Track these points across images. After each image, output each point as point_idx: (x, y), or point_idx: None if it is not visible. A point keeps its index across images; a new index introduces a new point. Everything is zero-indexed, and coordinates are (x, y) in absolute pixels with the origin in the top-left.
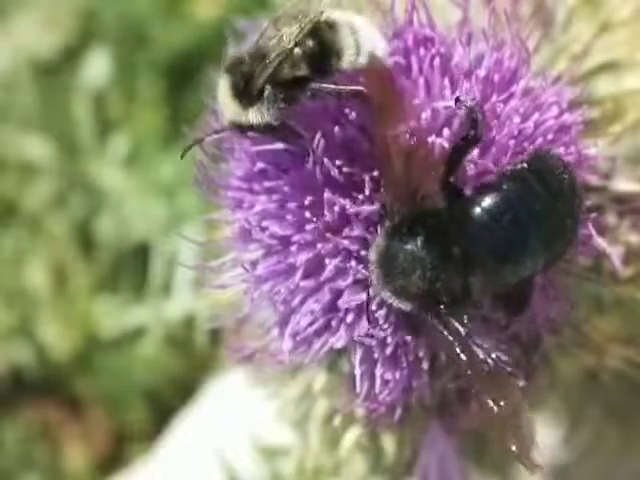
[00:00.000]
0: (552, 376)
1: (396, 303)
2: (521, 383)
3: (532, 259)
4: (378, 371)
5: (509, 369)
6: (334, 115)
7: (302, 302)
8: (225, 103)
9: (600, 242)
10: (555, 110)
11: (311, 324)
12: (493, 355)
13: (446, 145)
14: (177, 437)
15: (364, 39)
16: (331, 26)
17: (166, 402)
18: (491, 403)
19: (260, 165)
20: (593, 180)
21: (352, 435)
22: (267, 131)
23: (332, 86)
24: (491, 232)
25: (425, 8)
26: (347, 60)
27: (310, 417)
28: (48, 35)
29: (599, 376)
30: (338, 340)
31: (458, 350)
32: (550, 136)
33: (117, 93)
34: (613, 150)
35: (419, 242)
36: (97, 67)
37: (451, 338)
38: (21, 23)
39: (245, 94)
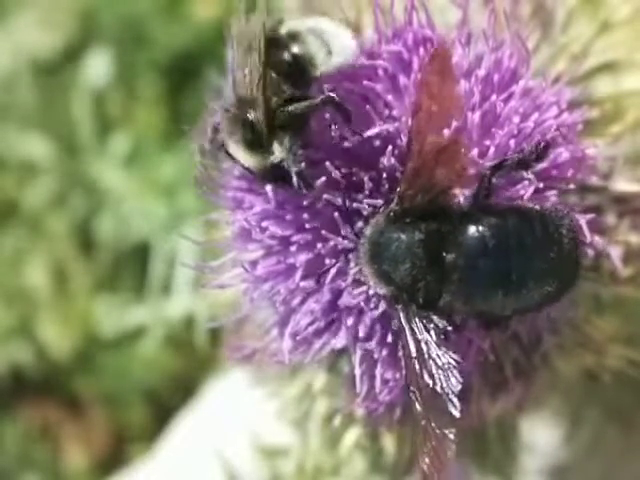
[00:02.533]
0: (552, 376)
1: (372, 283)
2: (454, 411)
3: (503, 300)
4: (378, 371)
5: (453, 397)
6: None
7: (302, 302)
8: (246, 159)
9: (600, 242)
10: (555, 110)
11: (311, 324)
12: (442, 373)
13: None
14: (177, 437)
15: (332, 38)
16: (294, 37)
17: (166, 402)
18: (421, 416)
19: None
20: (593, 180)
21: (352, 435)
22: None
23: (304, 103)
24: (476, 255)
25: (425, 8)
26: (322, 64)
27: (310, 417)
28: (48, 35)
29: (599, 376)
30: (338, 340)
31: (412, 354)
32: (549, 136)
33: (117, 93)
34: (613, 150)
35: (418, 237)
36: (97, 67)
37: (410, 340)
38: (21, 23)
39: (258, 143)
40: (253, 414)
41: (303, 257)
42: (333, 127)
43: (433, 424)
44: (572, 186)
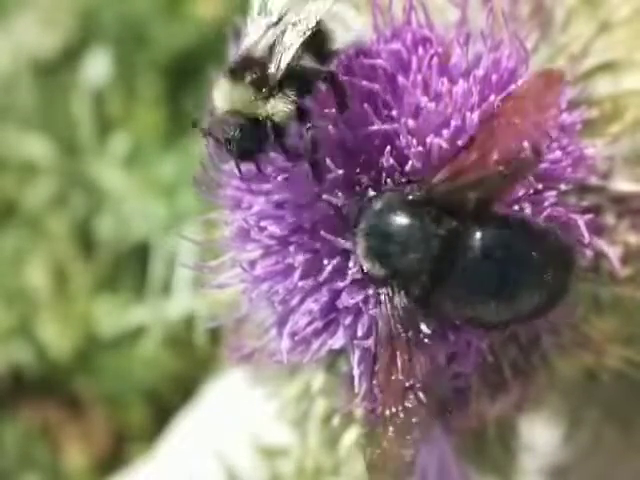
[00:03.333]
0: (552, 376)
1: (363, 257)
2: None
3: (493, 309)
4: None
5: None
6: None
7: (300, 302)
8: (233, 95)
9: (599, 242)
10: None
11: (309, 324)
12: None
13: (444, 145)
14: (177, 437)
15: (346, 17)
16: None
17: (166, 402)
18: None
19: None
20: (592, 180)
21: (352, 435)
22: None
23: (314, 65)
24: (477, 262)
25: (423, 8)
26: (340, 38)
27: (309, 417)
28: (48, 35)
29: (599, 376)
30: (337, 340)
31: (382, 338)
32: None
33: (117, 93)
34: (612, 150)
35: (440, 232)
36: (97, 67)
37: (386, 322)
38: (21, 23)
39: (264, 85)
40: (253, 414)
41: (301, 257)
42: (333, 127)
43: (397, 423)
44: (571, 186)
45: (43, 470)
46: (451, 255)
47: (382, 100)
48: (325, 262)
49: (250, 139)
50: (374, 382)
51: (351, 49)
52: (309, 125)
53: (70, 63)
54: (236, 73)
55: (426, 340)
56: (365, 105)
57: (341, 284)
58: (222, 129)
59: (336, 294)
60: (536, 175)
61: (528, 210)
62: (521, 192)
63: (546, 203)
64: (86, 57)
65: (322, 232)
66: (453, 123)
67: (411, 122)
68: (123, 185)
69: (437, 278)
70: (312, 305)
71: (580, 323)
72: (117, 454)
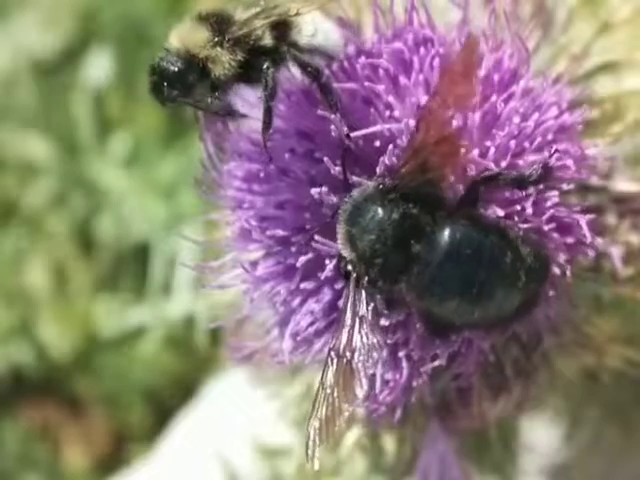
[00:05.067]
0: (553, 376)
1: (340, 243)
2: (359, 391)
3: (457, 308)
4: (378, 371)
5: (363, 377)
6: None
7: (302, 303)
8: (188, 33)
9: (600, 242)
10: (555, 110)
11: (311, 324)
12: (364, 351)
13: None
14: (177, 437)
15: (320, 24)
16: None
17: (166, 402)
18: (328, 383)
19: (259, 165)
20: (593, 180)
21: (352, 435)
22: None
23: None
24: (445, 258)
25: (425, 8)
26: (305, 36)
27: None
28: (48, 35)
29: (599, 376)
30: None
31: (346, 322)
32: (550, 136)
33: (117, 93)
34: (613, 150)
35: (394, 216)
36: (97, 67)
37: (349, 309)
38: (21, 23)
39: (221, 32)
40: (253, 414)
41: (303, 258)
42: (333, 127)
43: (336, 394)
44: (573, 186)
45: (43, 470)
46: (415, 246)
47: (384, 101)
48: (327, 262)
49: (178, 79)
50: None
51: (351, 49)
52: (268, 67)
53: (70, 63)
54: (201, 16)
55: (382, 322)
56: (365, 105)
57: (342, 284)
58: (158, 63)
59: (337, 294)
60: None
61: (529, 210)
62: (522, 193)
63: (548, 203)
64: (86, 57)
65: (317, 237)
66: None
67: (413, 122)
68: (123, 185)
69: (399, 267)
70: (314, 305)
71: (581, 323)
72: (117, 454)
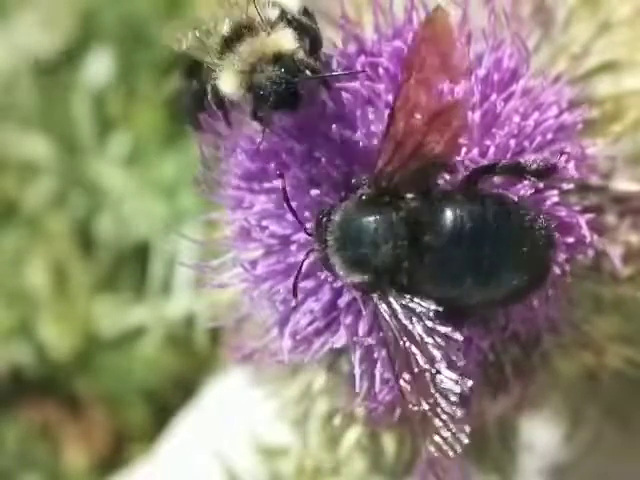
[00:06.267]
0: (552, 375)
1: (342, 273)
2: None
3: (471, 287)
4: (378, 370)
5: (440, 369)
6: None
7: (302, 301)
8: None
9: (600, 242)
10: (555, 110)
11: (311, 323)
12: (437, 351)
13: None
14: (177, 437)
15: None
16: None
17: (166, 402)
18: (413, 401)
19: (259, 164)
20: (593, 180)
21: (352, 435)
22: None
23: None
24: (451, 239)
25: (425, 7)
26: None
27: (310, 417)
28: (48, 35)
29: (599, 376)
30: (338, 340)
31: (400, 341)
32: (550, 136)
33: (117, 93)
34: (613, 150)
35: (400, 215)
36: (97, 67)
37: (394, 327)
38: (21, 23)
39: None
40: (253, 414)
41: (303, 256)
42: (334, 127)
43: (439, 409)
44: (572, 186)
45: (43, 470)
46: (423, 235)
47: (384, 101)
48: None
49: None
50: (401, 383)
51: (352, 48)
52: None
53: (70, 63)
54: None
55: (435, 325)
56: (365, 104)
57: (342, 283)
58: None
59: (337, 293)
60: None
61: None
62: (522, 191)
63: (548, 202)
64: (86, 57)
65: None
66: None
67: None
68: (123, 185)
69: (416, 260)
70: (313, 304)
71: (581, 322)
72: (117, 454)
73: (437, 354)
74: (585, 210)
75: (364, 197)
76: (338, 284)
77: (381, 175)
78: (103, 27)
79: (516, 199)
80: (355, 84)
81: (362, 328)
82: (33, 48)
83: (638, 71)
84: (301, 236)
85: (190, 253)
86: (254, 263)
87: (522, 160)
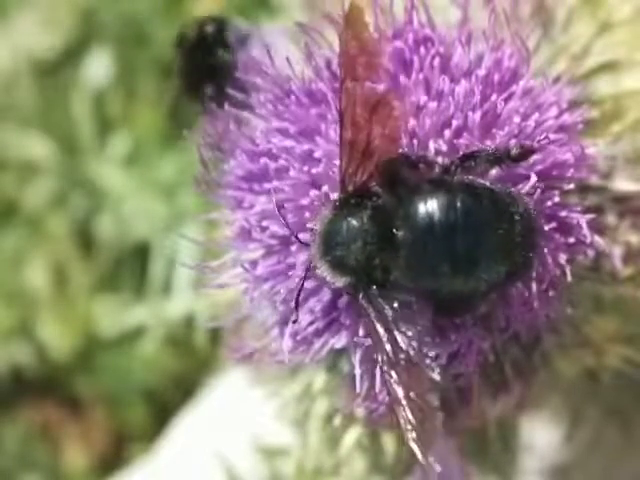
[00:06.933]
0: (552, 376)
1: (330, 278)
2: (435, 375)
3: (451, 278)
4: (378, 370)
5: (428, 361)
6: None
7: (302, 302)
8: None
9: (600, 242)
10: (555, 110)
11: (311, 324)
12: (414, 344)
13: (445, 148)
14: (177, 437)
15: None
16: None
17: (166, 402)
18: (400, 393)
19: (259, 163)
20: (593, 180)
21: (352, 435)
22: None
23: None
24: (424, 231)
25: (425, 8)
26: None
27: (310, 417)
28: (48, 35)
29: (599, 376)
30: (338, 340)
31: (381, 333)
32: (550, 136)
33: (117, 93)
34: (613, 150)
35: (366, 214)
36: (97, 67)
37: (376, 321)
38: (21, 23)
39: None
40: (253, 414)
41: (303, 256)
42: (334, 127)
43: (414, 395)
44: (572, 186)
45: (43, 470)
46: (395, 230)
47: None
48: None
49: None
50: (386, 378)
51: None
52: None
53: (70, 63)
54: None
55: (415, 319)
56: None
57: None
58: None
59: (338, 293)
60: (538, 174)
61: None
62: (522, 191)
63: (548, 203)
64: (86, 57)
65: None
66: (455, 123)
67: (412, 121)
68: (123, 185)
69: (391, 256)
70: (314, 304)
71: (581, 323)
72: (117, 454)
73: (416, 347)
74: (585, 210)
75: (336, 204)
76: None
77: (344, 178)
78: (103, 27)
79: (490, 183)
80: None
81: (362, 329)
82: (33, 48)
83: (638, 71)
84: (301, 236)
85: (190, 253)
86: (254, 263)
87: (501, 149)
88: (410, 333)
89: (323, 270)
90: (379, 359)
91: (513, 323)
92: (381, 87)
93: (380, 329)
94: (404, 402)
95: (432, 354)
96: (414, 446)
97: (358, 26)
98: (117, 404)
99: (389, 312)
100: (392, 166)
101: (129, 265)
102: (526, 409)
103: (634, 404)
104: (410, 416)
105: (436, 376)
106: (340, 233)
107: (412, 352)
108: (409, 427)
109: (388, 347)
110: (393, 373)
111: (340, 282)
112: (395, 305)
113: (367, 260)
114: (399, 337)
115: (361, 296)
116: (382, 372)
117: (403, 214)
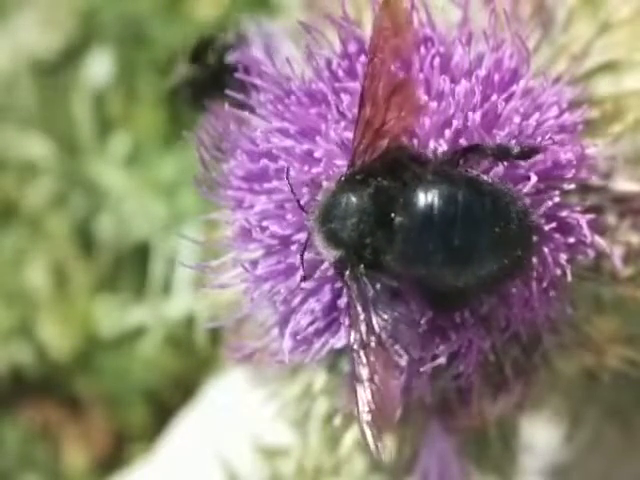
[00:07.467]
0: (553, 376)
1: (322, 248)
2: (402, 362)
3: (443, 268)
4: (348, 349)
5: (397, 348)
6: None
7: (302, 302)
8: None
9: (600, 242)
10: (555, 110)
11: (311, 324)
12: (388, 328)
13: (445, 148)
14: (177, 437)
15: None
16: None
17: (166, 402)
18: (365, 375)
19: (260, 163)
20: (593, 180)
21: (352, 435)
22: None
23: None
24: (422, 219)
25: (425, 8)
26: None
27: (310, 417)
28: (48, 35)
29: (599, 376)
30: (338, 340)
31: (359, 311)
32: (550, 136)
33: (117, 93)
34: (613, 150)
35: (368, 192)
36: (97, 67)
37: (356, 299)
38: (21, 23)
39: None
40: (253, 414)
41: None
42: (334, 127)
43: (378, 380)
44: (573, 186)
45: (43, 470)
46: (394, 214)
47: None
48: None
49: None
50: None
51: (352, 48)
52: None
53: (70, 63)
54: None
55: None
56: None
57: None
58: None
59: (338, 293)
60: (538, 174)
61: None
62: (523, 191)
63: (548, 203)
64: (86, 57)
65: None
66: (455, 123)
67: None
68: (123, 185)
69: (386, 238)
70: (314, 304)
71: (581, 323)
72: (117, 454)
73: (389, 332)
74: (586, 210)
75: (342, 178)
76: (338, 285)
77: (355, 154)
78: (103, 27)
79: (491, 180)
80: (355, 84)
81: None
82: (33, 48)
83: (638, 71)
84: (302, 236)
85: (190, 253)
86: (254, 263)
87: (505, 145)
88: (386, 316)
89: (318, 240)
90: (351, 337)
91: (513, 323)
92: (402, 74)
93: (359, 307)
94: (366, 384)
95: (405, 343)
96: (366, 429)
97: (395, 9)
98: (117, 404)
99: (370, 292)
100: (401, 152)
101: (129, 265)
102: (526, 409)
103: (634, 404)
104: (369, 398)
105: (403, 362)
106: (339, 207)
107: (384, 336)
108: (366, 409)
109: (363, 327)
110: (362, 353)
111: (331, 255)
112: (378, 286)
113: (359, 238)
114: (374, 319)
115: (347, 272)
116: (351, 350)
117: (404, 200)
